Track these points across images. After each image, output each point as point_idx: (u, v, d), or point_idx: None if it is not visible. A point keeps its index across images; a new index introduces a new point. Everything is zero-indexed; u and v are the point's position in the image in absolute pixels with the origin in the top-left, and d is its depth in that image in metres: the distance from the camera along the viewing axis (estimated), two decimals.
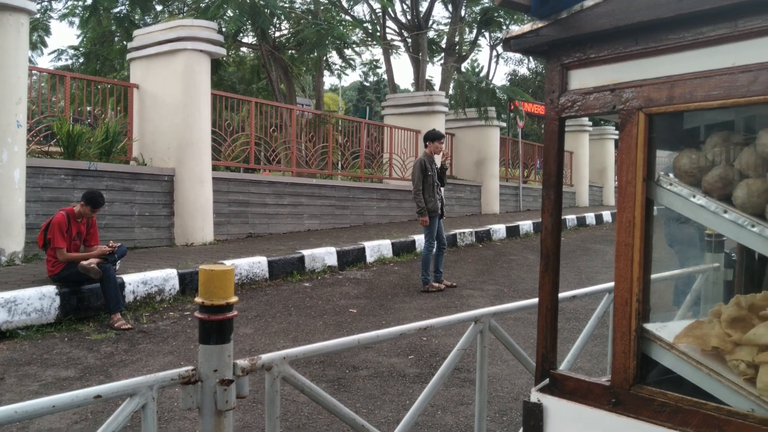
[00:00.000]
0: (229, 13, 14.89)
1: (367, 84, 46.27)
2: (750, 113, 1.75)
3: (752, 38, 1.55)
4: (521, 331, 6.62)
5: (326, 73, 19.82)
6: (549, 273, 1.96)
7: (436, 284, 9.03)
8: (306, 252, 9.73)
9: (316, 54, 15.89)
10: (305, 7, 18.02)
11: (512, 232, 14.47)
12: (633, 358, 1.72)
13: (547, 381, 1.93)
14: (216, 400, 2.00)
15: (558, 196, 1.95)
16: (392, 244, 11.36)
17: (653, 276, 2.99)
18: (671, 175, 1.78)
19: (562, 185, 1.97)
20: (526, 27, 1.96)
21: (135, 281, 7.45)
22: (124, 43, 14.81)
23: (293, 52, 17.02)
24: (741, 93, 1.56)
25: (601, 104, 1.83)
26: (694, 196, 1.71)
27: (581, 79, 1.90)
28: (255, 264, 8.90)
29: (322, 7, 17.08)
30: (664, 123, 1.81)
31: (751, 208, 1.62)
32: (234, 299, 2.06)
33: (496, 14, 20.50)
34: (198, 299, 2.04)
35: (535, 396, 1.93)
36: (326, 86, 39.76)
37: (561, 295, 3.33)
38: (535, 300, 3.63)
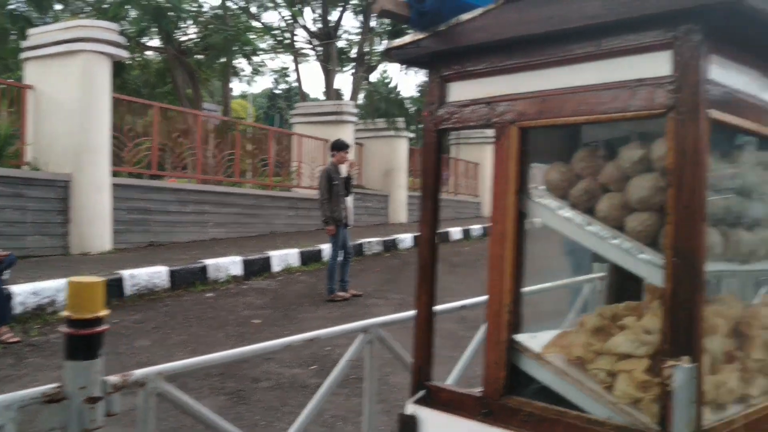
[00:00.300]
0: (132, 13, 14.45)
1: (279, 91, 45.88)
2: (615, 129, 1.80)
3: (614, 57, 1.61)
4: None
5: (236, 79, 19.52)
6: (425, 284, 1.96)
7: (342, 293, 9.01)
8: (209, 261, 9.52)
9: (223, 59, 15.62)
10: (214, 12, 17.71)
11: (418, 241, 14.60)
12: (503, 368, 1.74)
13: (422, 393, 1.93)
14: (82, 419, 1.90)
15: (435, 206, 1.96)
16: (300, 253, 11.27)
17: (545, 285, 3.05)
18: (542, 188, 1.82)
19: (439, 196, 1.98)
20: (407, 38, 1.97)
21: (25, 292, 7.07)
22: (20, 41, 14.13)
23: (200, 56, 16.69)
24: (603, 109, 1.60)
25: (477, 117, 1.86)
26: (561, 209, 1.75)
27: (459, 91, 1.92)
28: (155, 274, 8.63)
29: (230, 13, 16.82)
30: (539, 136, 1.85)
31: (612, 221, 1.67)
32: (103, 312, 1.97)
33: (405, 26, 20.66)
34: (64, 313, 1.94)
35: (410, 408, 1.92)
36: (236, 92, 39.14)
37: (451, 305, 3.37)
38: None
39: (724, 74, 1.54)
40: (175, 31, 15.31)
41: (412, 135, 19.93)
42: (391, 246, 13.63)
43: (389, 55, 2.03)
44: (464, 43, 1.83)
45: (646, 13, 1.50)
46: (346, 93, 21.75)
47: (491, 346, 1.76)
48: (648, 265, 1.57)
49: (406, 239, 14.19)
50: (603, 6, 1.55)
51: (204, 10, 17.62)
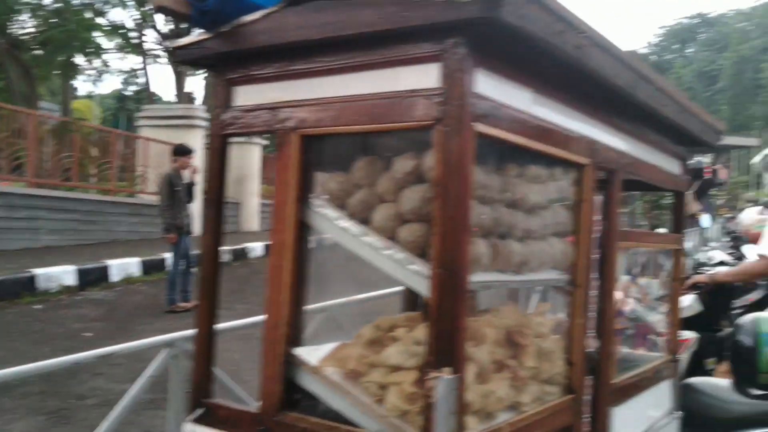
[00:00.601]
0: None
1: (129, 93, 44.03)
2: (398, 139, 1.80)
3: (390, 67, 1.60)
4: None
5: (80, 78, 18.47)
6: (208, 297, 1.88)
7: (184, 304, 8.71)
8: (39, 271, 8.90)
9: (62, 57, 14.71)
10: (57, 6, 16.65)
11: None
12: (280, 383, 1.68)
13: (200, 411, 1.84)
14: None
15: (219, 214, 1.88)
16: (142, 262, 10.80)
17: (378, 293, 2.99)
18: (324, 198, 1.78)
19: (223, 204, 1.91)
20: (192, 38, 1.88)
21: None
22: None
23: (38, 52, 15.63)
24: (379, 119, 1.59)
25: (261, 123, 1.80)
26: (339, 219, 1.72)
27: (245, 96, 1.85)
28: None
29: (73, 8, 15.88)
30: (325, 144, 1.82)
31: (386, 232, 1.66)
32: None
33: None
34: None
35: (188, 427, 1.83)
36: (82, 92, 36.99)
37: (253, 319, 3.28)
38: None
39: (491, 88, 1.57)
40: (9, 23, 14.22)
41: (266, 142, 19.64)
42: (240, 255, 13.36)
43: (173, 54, 1.93)
44: (247, 45, 1.77)
45: (416, 24, 1.49)
46: (199, 97, 21.20)
47: (268, 360, 1.70)
48: (417, 276, 1.57)
49: (256, 248, 13.97)
50: (376, 15, 1.54)
51: (45, 3, 16.54)
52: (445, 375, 1.42)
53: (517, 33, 1.49)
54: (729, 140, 29.91)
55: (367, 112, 1.61)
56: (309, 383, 1.70)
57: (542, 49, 1.59)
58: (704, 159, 11.24)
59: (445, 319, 1.46)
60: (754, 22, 70.22)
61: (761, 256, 4.07)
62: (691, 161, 10.57)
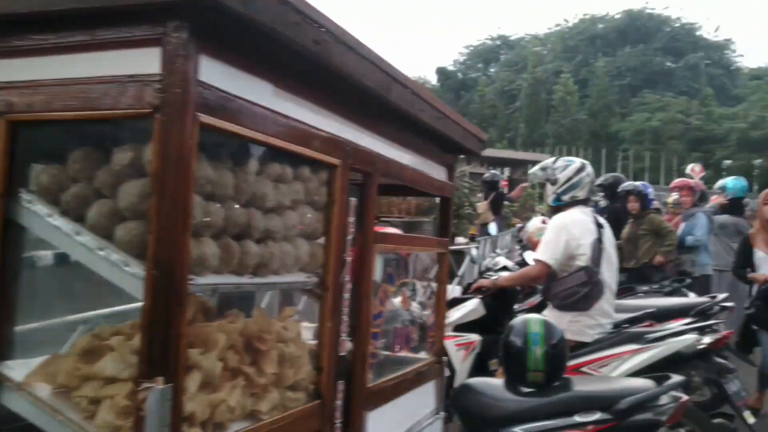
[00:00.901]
0: None
1: None
2: (116, 128, 1.65)
3: (108, 49, 1.46)
4: None
5: None
6: None
7: None
8: None
9: None
10: None
11: None
12: None
13: None
14: None
15: None
16: None
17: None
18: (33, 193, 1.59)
19: None
20: None
21: None
22: None
23: None
24: (94, 105, 1.44)
25: None
26: (51, 216, 1.54)
27: None
28: None
29: None
30: (38, 132, 1.64)
31: (102, 230, 1.51)
32: None
33: None
34: None
35: None
36: None
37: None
38: None
39: (221, 78, 1.47)
40: None
41: None
42: None
43: None
44: None
45: (133, 3, 1.37)
46: None
47: None
48: (134, 279, 1.43)
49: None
50: None
51: None
52: (158, 385, 1.30)
53: (245, 20, 1.41)
54: (525, 155, 32.37)
55: (82, 97, 1.46)
56: (12, 402, 1.50)
57: (278, 41, 1.53)
58: (500, 172, 11.97)
59: (158, 325, 1.34)
60: (548, 47, 76.72)
61: (537, 261, 4.33)
62: (487, 174, 11.22)
